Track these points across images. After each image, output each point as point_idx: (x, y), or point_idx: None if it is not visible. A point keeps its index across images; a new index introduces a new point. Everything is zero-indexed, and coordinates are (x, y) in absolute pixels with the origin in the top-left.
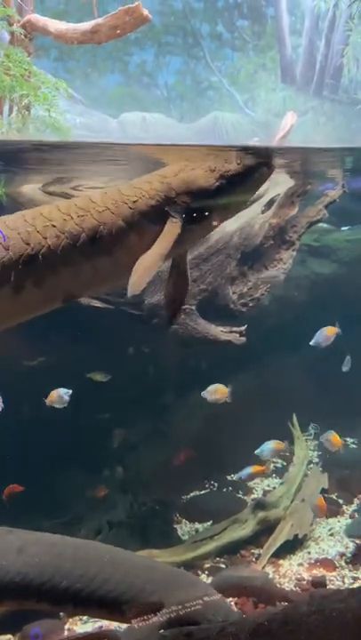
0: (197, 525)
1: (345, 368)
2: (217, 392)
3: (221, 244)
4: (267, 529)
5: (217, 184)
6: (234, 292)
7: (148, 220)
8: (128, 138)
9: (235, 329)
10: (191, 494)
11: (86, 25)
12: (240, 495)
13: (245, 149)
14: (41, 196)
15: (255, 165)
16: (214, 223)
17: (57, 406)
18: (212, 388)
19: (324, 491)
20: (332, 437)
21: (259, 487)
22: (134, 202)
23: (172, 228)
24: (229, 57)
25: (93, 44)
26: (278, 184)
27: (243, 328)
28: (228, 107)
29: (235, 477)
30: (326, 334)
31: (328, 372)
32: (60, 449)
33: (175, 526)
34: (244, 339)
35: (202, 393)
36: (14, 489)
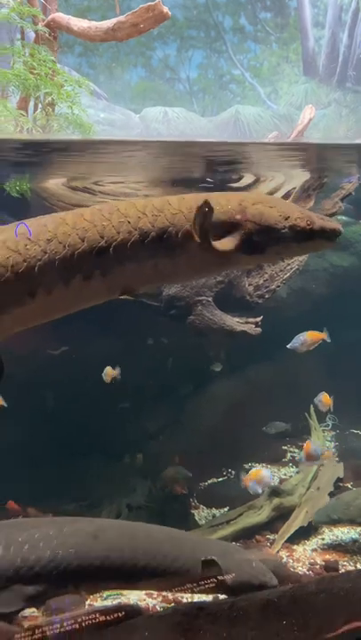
0: (214, 511)
1: None
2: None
3: None
4: (282, 515)
5: (282, 232)
6: (250, 284)
7: (213, 231)
8: (150, 133)
9: (250, 320)
10: (209, 481)
11: (108, 23)
12: None
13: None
14: (64, 191)
15: (321, 233)
16: (255, 263)
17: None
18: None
19: (339, 480)
20: (323, 398)
21: (275, 475)
22: None
23: (229, 242)
24: (252, 50)
25: (115, 41)
26: (294, 177)
27: (258, 319)
28: (250, 100)
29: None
30: (305, 339)
31: (346, 364)
32: (83, 436)
33: (193, 512)
34: (259, 329)
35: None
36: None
